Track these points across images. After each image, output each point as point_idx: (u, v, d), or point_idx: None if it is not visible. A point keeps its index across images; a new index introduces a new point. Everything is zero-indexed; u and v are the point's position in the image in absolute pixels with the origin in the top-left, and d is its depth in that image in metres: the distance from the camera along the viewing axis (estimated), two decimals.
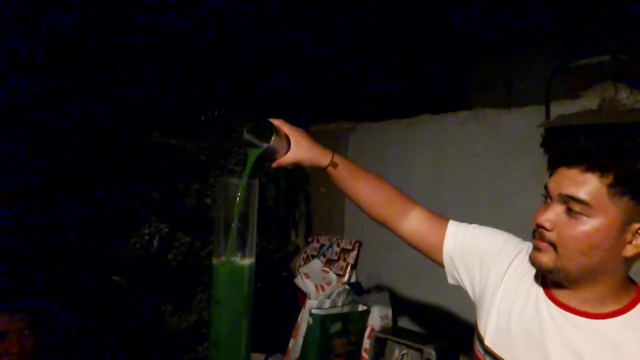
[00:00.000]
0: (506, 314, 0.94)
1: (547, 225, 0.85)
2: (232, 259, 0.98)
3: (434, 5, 2.43)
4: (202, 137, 2.30)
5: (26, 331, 1.38)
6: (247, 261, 0.99)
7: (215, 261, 0.99)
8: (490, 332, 0.96)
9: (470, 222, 1.12)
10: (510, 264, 0.98)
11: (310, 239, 2.78)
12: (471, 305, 1.95)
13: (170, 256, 2.11)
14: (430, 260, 1.11)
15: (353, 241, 2.54)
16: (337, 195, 2.69)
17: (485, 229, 1.08)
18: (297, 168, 2.74)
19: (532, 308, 0.91)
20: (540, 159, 1.84)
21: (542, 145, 1.81)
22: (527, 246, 0.99)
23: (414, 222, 1.10)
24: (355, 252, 2.50)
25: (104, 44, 1.99)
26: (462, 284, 1.07)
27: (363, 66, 2.76)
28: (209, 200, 2.25)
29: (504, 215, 1.90)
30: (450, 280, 1.10)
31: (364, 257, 2.51)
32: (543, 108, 1.89)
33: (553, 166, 1.72)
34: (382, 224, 1.14)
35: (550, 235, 0.85)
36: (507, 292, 0.96)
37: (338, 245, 2.59)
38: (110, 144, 1.97)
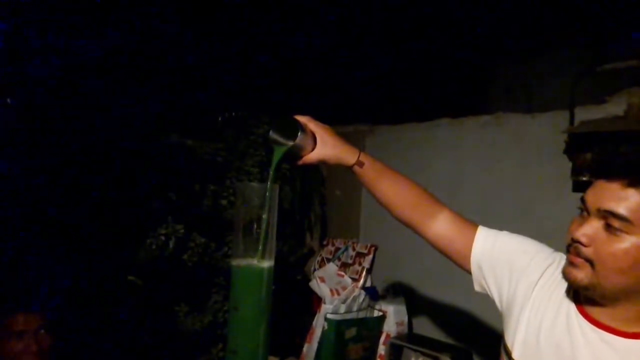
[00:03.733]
0: (535, 327, 0.91)
1: (583, 240, 0.81)
2: (251, 261, 0.96)
3: (454, 7, 2.40)
4: (218, 139, 2.29)
5: (43, 331, 1.38)
6: (266, 264, 0.97)
7: (234, 264, 0.97)
8: (519, 345, 0.92)
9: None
10: (541, 275, 0.95)
11: (325, 242, 2.76)
12: (492, 313, 1.91)
13: (185, 257, 2.10)
14: (457, 266, 1.08)
15: (369, 245, 2.51)
16: (353, 198, 2.67)
17: (517, 237, 1.04)
18: (313, 169, 2.75)
19: (563, 323, 0.88)
20: (563, 166, 1.81)
21: (565, 152, 1.77)
22: (560, 257, 0.95)
23: (441, 226, 1.07)
24: (370, 256, 2.47)
25: (121, 46, 1.99)
26: (489, 293, 1.04)
27: (381, 68, 2.73)
28: (225, 202, 2.23)
29: (525, 224, 1.86)
30: (477, 288, 1.07)
31: (380, 262, 2.48)
32: (567, 113, 1.85)
33: (578, 174, 1.70)
34: (408, 226, 1.11)
35: (586, 251, 0.81)
36: (536, 305, 0.93)
37: (353, 249, 2.56)
38: (127, 144, 1.97)
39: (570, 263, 0.84)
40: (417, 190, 1.10)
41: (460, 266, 1.07)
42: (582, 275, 0.82)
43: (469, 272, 1.06)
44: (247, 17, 2.27)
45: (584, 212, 0.85)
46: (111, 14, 1.92)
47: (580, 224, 0.83)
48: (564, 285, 0.91)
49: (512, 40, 2.66)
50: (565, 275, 0.85)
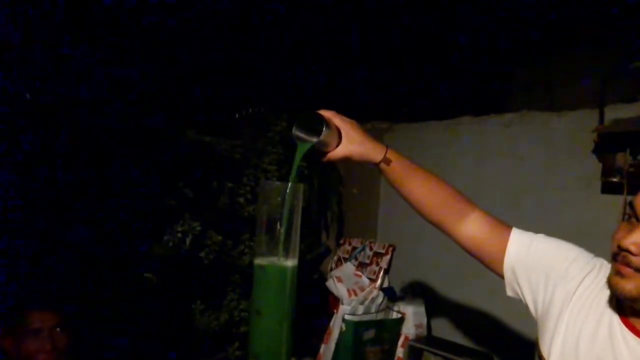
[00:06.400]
0: (574, 338, 0.86)
1: (633, 249, 0.76)
2: (275, 260, 0.93)
3: (475, 3, 2.35)
4: (236, 136, 2.26)
5: (58, 329, 1.36)
6: (290, 263, 0.94)
7: (257, 263, 0.94)
8: (555, 355, 0.87)
9: None
10: (581, 282, 0.89)
11: (341, 241, 2.72)
12: (514, 316, 1.88)
13: (202, 254, 2.08)
14: (488, 269, 1.03)
15: (386, 245, 2.47)
16: (371, 196, 2.63)
17: (554, 240, 0.98)
18: (330, 167, 2.71)
19: (605, 335, 0.82)
20: (591, 166, 1.75)
21: (595, 151, 1.72)
22: (600, 264, 0.90)
23: (472, 227, 1.02)
24: (388, 257, 2.43)
25: (139, 44, 1.97)
26: (522, 298, 0.99)
27: (400, 64, 2.69)
28: (242, 200, 2.21)
29: (551, 227, 1.81)
30: (509, 293, 1.02)
31: (398, 262, 2.43)
32: (595, 112, 1.79)
33: (609, 175, 1.64)
34: (437, 227, 1.06)
35: (637, 260, 0.76)
36: (575, 314, 0.87)
37: (370, 248, 2.52)
38: (144, 141, 1.95)
39: (617, 273, 0.79)
40: (447, 189, 1.06)
41: (491, 269, 1.02)
42: (631, 286, 0.76)
43: (501, 276, 1.01)
44: (264, 14, 2.24)
45: (632, 218, 0.79)
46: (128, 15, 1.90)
47: (629, 231, 0.77)
48: (605, 293, 0.86)
49: (535, 37, 2.60)
50: (612, 285, 0.80)
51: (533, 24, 2.51)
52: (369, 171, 2.64)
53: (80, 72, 1.83)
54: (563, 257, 0.94)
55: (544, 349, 0.92)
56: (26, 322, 1.33)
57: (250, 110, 2.36)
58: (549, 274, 0.93)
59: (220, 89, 2.24)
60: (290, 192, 0.92)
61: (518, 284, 0.98)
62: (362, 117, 2.67)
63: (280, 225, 0.92)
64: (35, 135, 1.72)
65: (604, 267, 0.88)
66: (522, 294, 0.98)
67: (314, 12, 2.31)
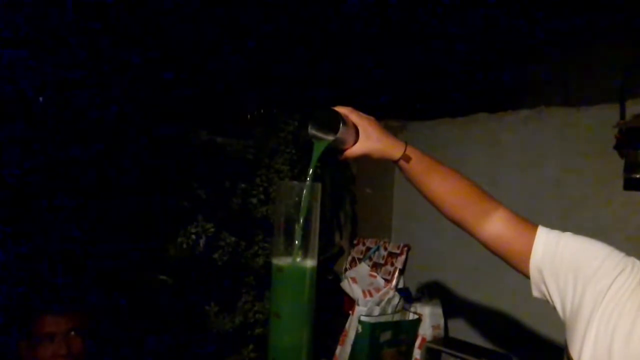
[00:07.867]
0: (607, 341, 0.82)
1: None
2: (294, 261, 0.91)
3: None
4: (248, 136, 2.24)
5: (73, 333, 1.35)
6: (310, 263, 0.93)
7: (275, 263, 0.92)
8: (587, 358, 0.83)
9: None
10: (612, 283, 0.85)
11: (355, 242, 2.69)
12: (535, 315, 1.84)
13: (215, 256, 2.06)
14: (513, 269, 0.99)
15: (401, 245, 2.44)
16: (385, 196, 2.60)
17: (583, 238, 0.94)
18: (343, 167, 2.68)
19: None
20: (612, 162, 1.71)
21: (616, 147, 1.68)
22: (632, 263, 0.86)
23: (496, 226, 0.98)
24: (403, 257, 2.39)
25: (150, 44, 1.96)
26: (549, 300, 0.95)
27: (414, 60, 2.65)
28: (254, 200, 2.19)
29: (570, 225, 1.77)
30: (536, 294, 0.98)
31: (413, 262, 2.40)
32: (615, 107, 1.75)
33: (631, 171, 1.60)
34: (459, 226, 1.03)
35: None
36: (607, 316, 0.83)
37: (385, 248, 2.49)
38: (157, 142, 1.94)
39: None
40: (470, 186, 1.03)
41: (517, 269, 0.98)
42: None
43: (527, 276, 0.97)
44: (274, 11, 2.22)
45: None
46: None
47: None
48: (638, 294, 0.82)
49: (550, 31, 2.56)
50: None
51: (548, 18, 2.46)
52: (382, 170, 2.61)
53: (89, 72, 1.82)
54: (593, 256, 0.90)
55: (574, 351, 0.88)
56: (39, 326, 1.32)
57: (262, 110, 2.34)
58: (578, 274, 0.89)
59: (231, 89, 2.22)
60: (308, 191, 0.90)
61: (545, 284, 0.94)
62: (375, 115, 2.64)
63: (298, 225, 0.90)
64: (50, 136, 1.71)
65: (636, 267, 0.85)
66: (550, 295, 0.94)
67: (324, 9, 2.28)
